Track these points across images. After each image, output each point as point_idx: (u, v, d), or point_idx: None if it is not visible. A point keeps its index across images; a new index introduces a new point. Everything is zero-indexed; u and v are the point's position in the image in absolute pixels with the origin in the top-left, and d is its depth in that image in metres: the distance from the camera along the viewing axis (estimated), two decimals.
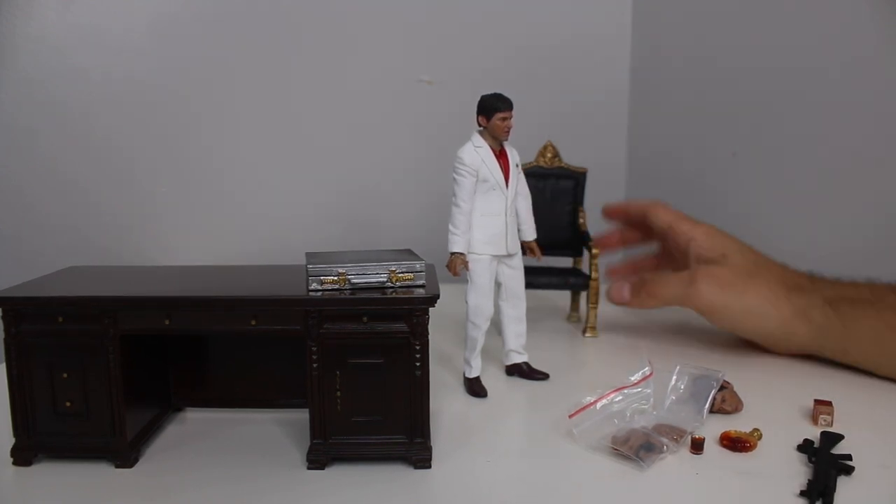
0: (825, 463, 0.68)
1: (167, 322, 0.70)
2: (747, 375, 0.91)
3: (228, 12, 1.42)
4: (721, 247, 1.01)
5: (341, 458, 0.71)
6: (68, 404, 0.70)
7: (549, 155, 1.17)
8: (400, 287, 0.71)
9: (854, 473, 0.67)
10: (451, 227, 0.86)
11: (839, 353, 0.94)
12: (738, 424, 0.77)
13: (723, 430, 0.75)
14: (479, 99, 0.86)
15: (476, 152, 0.86)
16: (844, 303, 0.92)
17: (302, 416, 0.74)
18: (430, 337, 0.70)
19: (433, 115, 1.48)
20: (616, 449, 0.71)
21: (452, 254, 0.86)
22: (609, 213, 1.16)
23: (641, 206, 1.10)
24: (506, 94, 0.85)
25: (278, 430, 0.79)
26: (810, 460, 0.69)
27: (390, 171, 1.52)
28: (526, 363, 0.94)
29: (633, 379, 0.80)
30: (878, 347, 0.89)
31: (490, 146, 0.86)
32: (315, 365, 0.69)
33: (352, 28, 1.46)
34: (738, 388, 0.83)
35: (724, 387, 0.81)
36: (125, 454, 0.71)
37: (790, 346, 0.98)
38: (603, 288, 1.12)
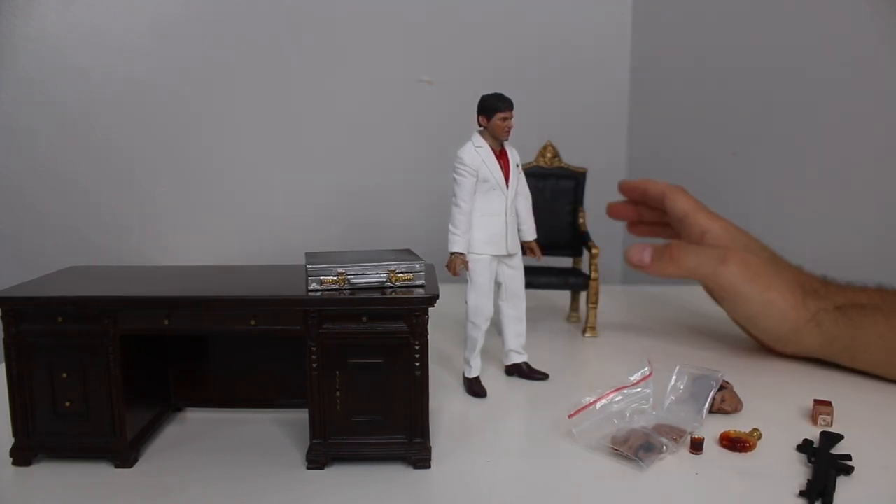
0: (825, 463, 0.68)
1: (167, 322, 0.70)
2: (747, 375, 0.91)
3: (228, 12, 1.42)
4: (741, 241, 0.99)
5: (341, 458, 0.71)
6: (68, 404, 0.70)
7: (549, 155, 1.17)
8: (399, 287, 0.71)
9: (854, 473, 0.67)
10: (451, 227, 0.86)
11: (847, 359, 0.93)
12: (737, 424, 0.77)
13: (722, 430, 0.75)
14: (479, 99, 0.86)
15: (476, 152, 0.86)
16: (854, 309, 0.91)
17: (302, 416, 0.74)
18: (429, 337, 0.70)
19: (433, 115, 1.48)
20: (616, 449, 0.71)
21: (452, 254, 0.86)
22: (626, 189, 1.12)
23: (661, 188, 1.05)
24: (506, 94, 0.85)
25: (278, 430, 0.79)
26: (810, 460, 0.69)
27: (390, 171, 1.52)
28: (526, 363, 0.94)
29: (632, 379, 0.80)
30: (887, 354, 0.89)
31: (490, 146, 0.86)
32: (315, 365, 0.69)
33: (352, 28, 1.47)
34: (738, 389, 0.83)
35: (723, 387, 0.81)
36: (125, 454, 0.71)
37: (797, 350, 0.97)
38: (601, 285, 1.12)
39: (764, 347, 1.03)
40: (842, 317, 0.91)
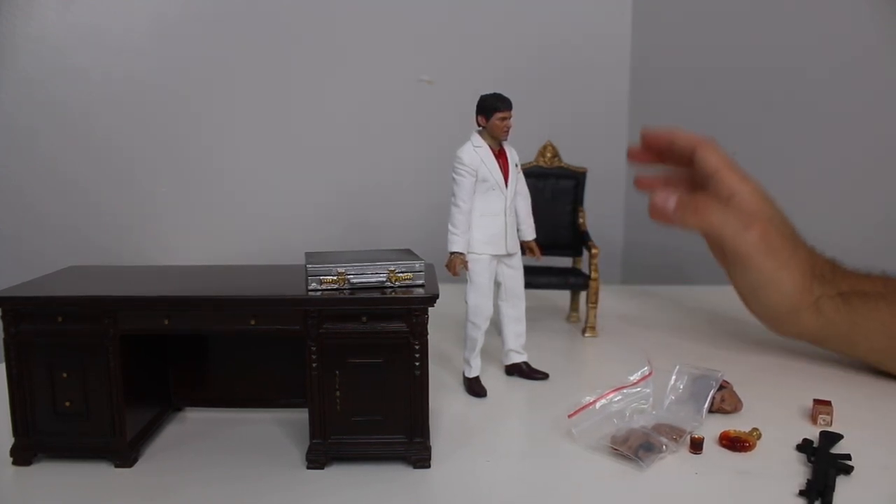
0: (824, 463, 0.68)
1: (167, 322, 0.70)
2: (747, 375, 0.91)
3: (228, 12, 1.42)
4: (767, 211, 0.95)
5: (341, 457, 0.71)
6: (68, 404, 0.70)
7: (549, 155, 1.17)
8: (399, 287, 0.71)
9: (853, 473, 0.67)
10: (450, 227, 0.86)
11: (844, 345, 0.93)
12: (737, 424, 0.77)
13: (722, 430, 0.75)
14: (478, 99, 0.86)
15: (475, 152, 0.86)
16: (857, 296, 0.91)
17: (302, 416, 0.74)
18: (429, 337, 0.70)
19: (433, 115, 1.48)
20: (615, 449, 0.71)
21: (452, 253, 0.86)
22: (650, 139, 1.02)
23: (691, 139, 0.98)
24: (506, 94, 0.85)
25: (278, 430, 0.79)
26: (809, 460, 0.69)
27: (390, 171, 1.52)
28: (525, 363, 0.94)
29: (632, 379, 0.80)
30: (889, 341, 0.89)
31: (489, 146, 0.86)
32: (315, 365, 0.69)
33: (352, 29, 1.47)
34: (738, 388, 0.83)
35: (723, 386, 0.81)
36: (125, 454, 0.71)
37: (790, 330, 0.97)
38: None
39: (760, 321, 1.01)
40: (843, 304, 0.91)
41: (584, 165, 1.17)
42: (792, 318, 0.94)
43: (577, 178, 1.17)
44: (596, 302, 1.11)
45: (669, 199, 0.94)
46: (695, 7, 1.50)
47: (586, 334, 1.12)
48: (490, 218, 0.87)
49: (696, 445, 0.72)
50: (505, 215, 0.87)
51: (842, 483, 0.65)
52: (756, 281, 0.93)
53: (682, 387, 0.81)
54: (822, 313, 0.92)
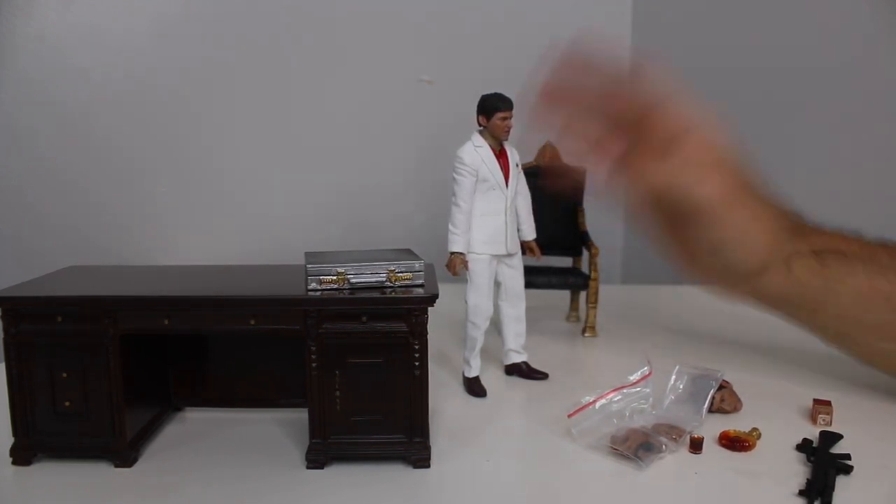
0: (824, 462, 0.68)
1: (167, 322, 0.70)
2: (746, 375, 0.91)
3: (228, 12, 1.42)
4: (726, 156, 0.80)
5: (340, 457, 0.71)
6: (68, 404, 0.70)
7: (548, 155, 1.17)
8: (399, 287, 0.71)
9: (853, 473, 0.67)
10: (450, 227, 0.86)
11: (808, 313, 0.83)
12: (737, 424, 0.77)
13: (722, 430, 0.75)
14: (479, 99, 0.86)
15: (476, 152, 0.86)
16: (833, 256, 0.80)
17: (302, 415, 0.74)
18: (429, 336, 0.70)
19: (433, 115, 1.48)
20: (615, 448, 0.71)
21: (452, 253, 0.86)
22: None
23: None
24: (506, 94, 0.85)
25: (278, 430, 0.79)
26: (809, 460, 0.69)
27: (390, 171, 1.52)
28: (525, 363, 0.94)
29: (632, 378, 0.80)
30: (859, 312, 0.80)
31: (490, 146, 0.86)
32: (314, 365, 0.69)
33: (352, 29, 1.47)
34: (737, 388, 0.83)
35: (722, 386, 0.81)
36: (125, 454, 0.71)
37: (751, 292, 0.83)
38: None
39: (709, 287, 0.87)
40: (818, 264, 0.80)
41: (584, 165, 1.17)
42: (756, 276, 0.81)
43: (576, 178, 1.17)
44: (596, 302, 1.11)
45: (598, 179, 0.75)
46: (695, 7, 1.50)
47: (586, 334, 1.12)
48: (490, 218, 0.87)
49: (696, 445, 0.72)
50: (505, 215, 0.87)
51: (842, 483, 0.65)
52: (720, 238, 0.78)
53: (681, 387, 0.81)
54: (791, 273, 0.80)
